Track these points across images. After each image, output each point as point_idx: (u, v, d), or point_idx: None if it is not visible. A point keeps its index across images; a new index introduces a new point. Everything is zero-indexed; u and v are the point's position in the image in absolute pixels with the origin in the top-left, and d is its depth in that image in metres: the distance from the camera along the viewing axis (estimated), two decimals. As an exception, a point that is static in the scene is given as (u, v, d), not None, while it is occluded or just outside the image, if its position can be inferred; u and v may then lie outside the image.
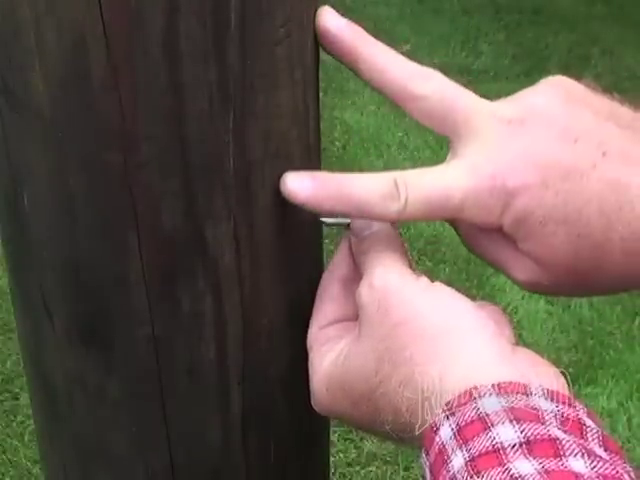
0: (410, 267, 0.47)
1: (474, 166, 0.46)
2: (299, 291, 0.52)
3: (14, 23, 0.41)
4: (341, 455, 1.96)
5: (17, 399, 2.08)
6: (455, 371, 0.41)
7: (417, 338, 0.43)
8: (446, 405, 0.39)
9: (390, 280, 0.45)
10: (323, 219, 0.52)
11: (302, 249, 0.52)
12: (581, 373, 2.24)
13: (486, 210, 0.45)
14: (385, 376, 0.43)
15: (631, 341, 2.39)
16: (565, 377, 0.42)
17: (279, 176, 0.47)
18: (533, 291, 0.49)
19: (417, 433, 0.41)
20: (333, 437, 1.94)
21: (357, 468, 1.95)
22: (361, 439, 2.00)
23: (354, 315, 0.48)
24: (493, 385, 0.39)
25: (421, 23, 4.45)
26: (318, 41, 0.48)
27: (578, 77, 0.48)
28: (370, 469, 1.95)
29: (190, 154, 0.44)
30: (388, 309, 0.44)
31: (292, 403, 0.54)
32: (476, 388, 0.39)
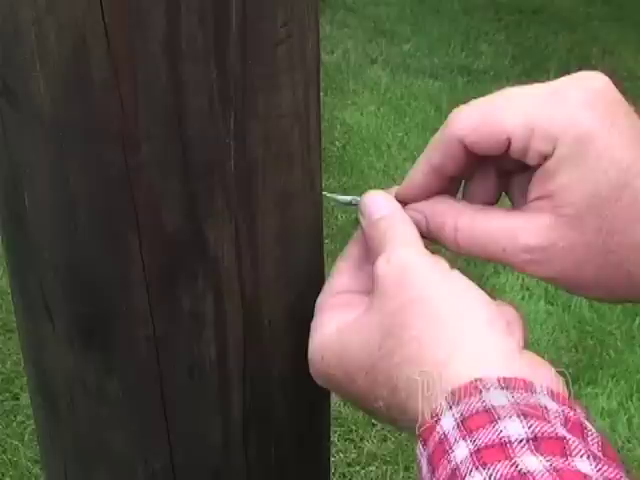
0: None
1: None
2: (299, 291, 0.52)
3: (15, 23, 0.41)
4: (341, 455, 1.96)
5: (17, 399, 2.07)
6: (460, 360, 0.41)
7: (428, 319, 0.42)
8: (450, 394, 0.39)
9: (410, 257, 0.45)
10: (335, 196, 0.52)
11: (302, 249, 0.52)
12: (581, 373, 2.23)
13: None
14: (388, 351, 0.43)
15: (631, 341, 2.39)
16: (564, 377, 0.42)
17: (280, 176, 0.47)
18: (547, 277, 0.46)
19: (417, 418, 0.41)
20: (333, 437, 1.94)
21: (357, 468, 1.94)
22: (361, 439, 2.00)
23: (363, 290, 0.48)
24: (498, 378, 0.39)
25: (421, 23, 4.44)
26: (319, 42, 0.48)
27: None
28: (370, 469, 1.94)
29: (190, 154, 0.44)
30: (404, 285, 0.43)
31: (292, 403, 0.54)
32: (481, 380, 0.39)
